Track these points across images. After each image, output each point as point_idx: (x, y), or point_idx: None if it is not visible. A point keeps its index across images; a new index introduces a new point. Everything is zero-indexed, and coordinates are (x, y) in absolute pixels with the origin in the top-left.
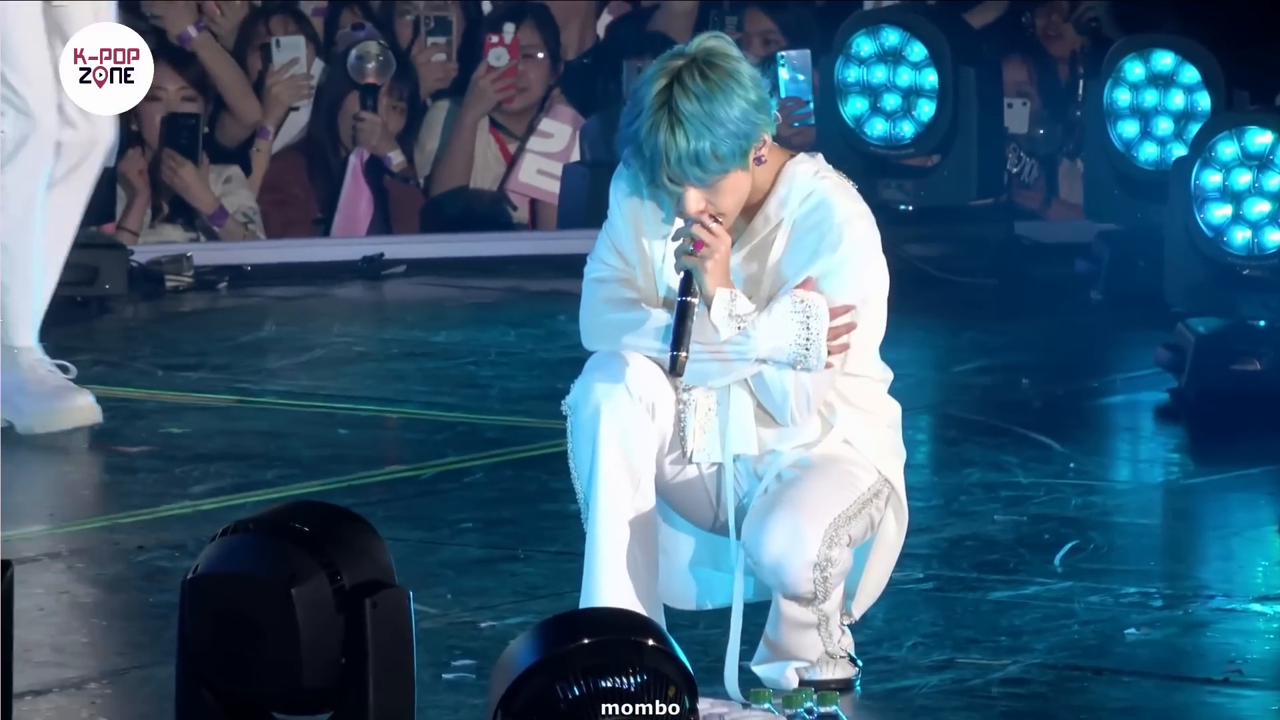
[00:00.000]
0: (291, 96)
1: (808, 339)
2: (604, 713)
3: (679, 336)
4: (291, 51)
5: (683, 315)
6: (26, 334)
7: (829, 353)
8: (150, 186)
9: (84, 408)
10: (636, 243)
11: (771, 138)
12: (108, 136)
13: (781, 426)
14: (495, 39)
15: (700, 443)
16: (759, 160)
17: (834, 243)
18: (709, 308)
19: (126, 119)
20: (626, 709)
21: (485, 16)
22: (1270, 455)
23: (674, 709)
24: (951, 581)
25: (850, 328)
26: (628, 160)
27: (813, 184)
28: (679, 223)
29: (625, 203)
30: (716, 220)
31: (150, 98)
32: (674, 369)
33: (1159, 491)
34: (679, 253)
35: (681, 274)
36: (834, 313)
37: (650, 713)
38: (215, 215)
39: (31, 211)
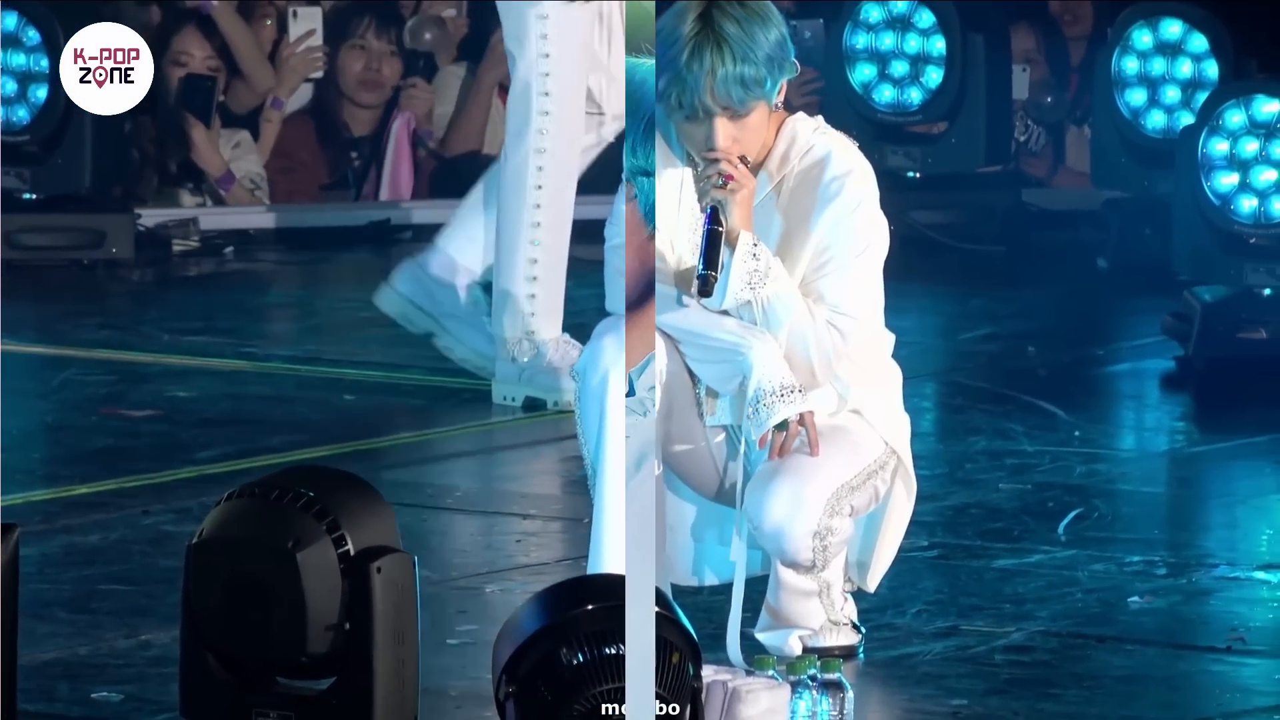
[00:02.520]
0: (307, 68)
1: (795, 397)
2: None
3: (708, 258)
4: (308, 23)
5: (711, 241)
6: (554, 325)
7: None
8: (159, 151)
9: None
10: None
11: (788, 84)
12: (609, 138)
13: None
14: None
15: (712, 406)
16: (775, 105)
17: (834, 194)
18: (733, 248)
19: (156, 81)
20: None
21: None
22: (1275, 424)
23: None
24: (956, 549)
25: (805, 431)
26: (661, 95)
27: (813, 139)
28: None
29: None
30: (744, 161)
31: (174, 63)
32: (704, 289)
33: (1164, 460)
34: (706, 188)
35: (708, 210)
36: (811, 428)
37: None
38: (223, 179)
39: (567, 212)
